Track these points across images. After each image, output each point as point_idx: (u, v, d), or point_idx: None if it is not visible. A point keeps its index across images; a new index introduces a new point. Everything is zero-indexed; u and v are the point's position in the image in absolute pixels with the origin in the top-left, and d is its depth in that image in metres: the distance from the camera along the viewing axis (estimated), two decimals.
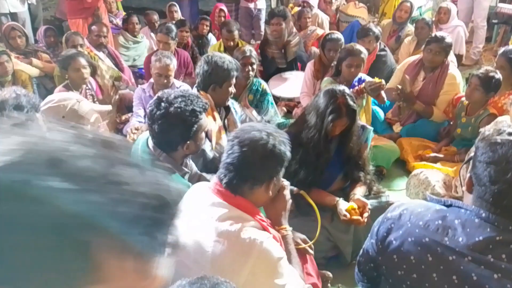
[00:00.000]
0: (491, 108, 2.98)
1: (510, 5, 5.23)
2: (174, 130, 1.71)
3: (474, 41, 5.45)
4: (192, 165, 1.97)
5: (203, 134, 1.83)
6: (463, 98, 3.14)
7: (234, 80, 2.47)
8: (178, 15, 5.42)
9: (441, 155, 3.05)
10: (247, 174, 1.32)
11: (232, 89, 2.48)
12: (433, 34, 3.48)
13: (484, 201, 1.10)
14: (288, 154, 1.37)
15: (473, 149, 1.20)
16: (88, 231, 0.40)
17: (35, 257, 0.39)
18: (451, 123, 3.29)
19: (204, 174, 2.02)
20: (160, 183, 0.46)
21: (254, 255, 1.22)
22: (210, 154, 2.23)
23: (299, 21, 5.02)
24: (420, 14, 5.69)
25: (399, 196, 2.74)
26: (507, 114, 2.63)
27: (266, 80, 3.87)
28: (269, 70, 4.33)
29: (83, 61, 3.04)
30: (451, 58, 4.30)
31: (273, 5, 6.76)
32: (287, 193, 1.53)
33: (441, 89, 3.33)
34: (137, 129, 2.57)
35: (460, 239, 1.09)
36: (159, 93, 1.78)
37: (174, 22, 4.88)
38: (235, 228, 1.24)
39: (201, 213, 1.32)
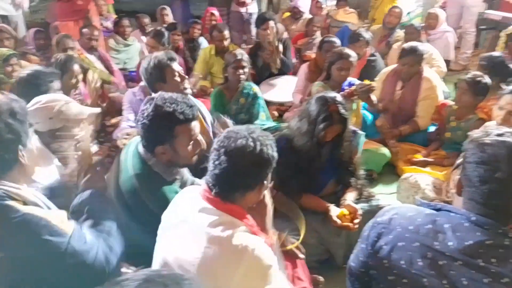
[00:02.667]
0: (481, 112, 3.02)
1: (498, 12, 5.31)
2: (151, 130, 1.65)
3: (462, 47, 5.53)
4: (183, 172, 1.93)
5: (188, 145, 1.70)
6: (452, 103, 3.19)
7: (176, 67, 2.38)
8: (169, 18, 5.41)
9: (430, 159, 3.09)
10: (238, 183, 1.30)
11: (178, 78, 2.37)
12: (403, 46, 3.47)
13: (474, 202, 1.12)
14: (275, 155, 1.35)
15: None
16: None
17: None
18: (439, 127, 3.33)
19: (197, 180, 1.99)
20: None
21: (246, 261, 1.21)
22: None
23: (307, 27, 5.05)
24: (410, 20, 5.75)
25: (390, 200, 2.76)
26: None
27: (258, 84, 3.88)
28: (262, 75, 4.34)
29: (77, 67, 3.05)
30: (440, 64, 4.37)
31: (264, 9, 6.78)
32: (267, 199, 1.51)
33: (419, 95, 3.37)
34: (128, 134, 2.54)
35: (451, 243, 1.09)
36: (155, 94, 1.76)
37: (165, 25, 4.87)
38: (227, 234, 1.23)
39: (191, 219, 1.31)
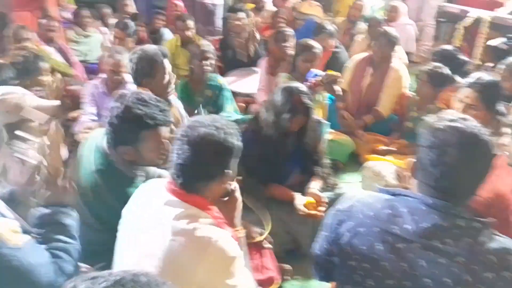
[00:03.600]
0: (441, 103, 3.13)
1: (456, 5, 5.50)
2: (118, 130, 1.61)
3: (423, 39, 5.69)
4: (149, 168, 1.89)
5: (153, 150, 1.66)
6: (413, 94, 3.30)
7: (166, 67, 2.32)
8: (131, 9, 5.28)
9: (393, 148, 3.18)
10: (201, 173, 1.29)
11: (167, 76, 2.33)
12: (378, 30, 3.64)
13: (426, 185, 1.16)
14: (239, 144, 1.33)
15: None
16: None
17: None
18: (401, 117, 3.44)
19: (163, 172, 1.94)
20: None
21: (210, 253, 1.20)
22: None
23: (273, 19, 5.04)
24: (372, 13, 5.87)
25: (354, 188, 2.83)
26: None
27: (225, 76, 3.87)
28: (230, 67, 4.32)
29: (47, 65, 2.94)
30: (401, 55, 4.49)
31: (230, 1, 6.73)
32: (237, 194, 1.50)
33: (386, 83, 3.50)
34: (89, 128, 2.46)
35: (409, 226, 1.12)
36: (130, 90, 1.70)
37: (127, 16, 4.76)
38: (192, 226, 1.22)
39: (156, 213, 1.29)
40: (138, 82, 2.34)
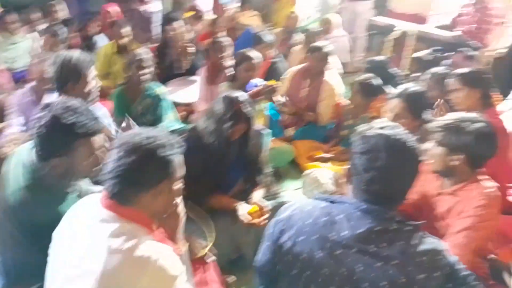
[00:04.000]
0: (372, 111, 3.30)
1: (386, 19, 5.87)
2: (47, 141, 1.52)
3: (356, 50, 5.98)
4: (81, 183, 1.79)
5: (86, 160, 1.59)
6: (348, 102, 3.45)
7: (89, 74, 2.22)
8: (63, 13, 5.03)
9: (330, 155, 3.30)
10: (128, 180, 1.22)
11: (88, 88, 2.22)
12: (312, 44, 3.75)
13: (359, 189, 1.22)
14: (174, 157, 1.28)
15: None
16: None
17: None
18: (337, 125, 3.58)
19: (92, 187, 1.85)
20: None
21: (149, 272, 1.15)
22: None
23: (212, 27, 5.02)
24: (308, 24, 6.07)
25: (295, 195, 2.89)
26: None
27: (165, 83, 3.80)
28: (168, 74, 4.25)
29: None
30: (338, 66, 4.68)
31: (170, 8, 6.63)
32: (179, 209, 1.46)
33: (320, 95, 3.64)
34: (16, 140, 2.29)
35: (345, 232, 1.17)
36: (53, 99, 1.60)
37: (56, 22, 4.54)
38: (130, 244, 1.16)
39: (92, 230, 1.21)
40: (59, 88, 2.22)
